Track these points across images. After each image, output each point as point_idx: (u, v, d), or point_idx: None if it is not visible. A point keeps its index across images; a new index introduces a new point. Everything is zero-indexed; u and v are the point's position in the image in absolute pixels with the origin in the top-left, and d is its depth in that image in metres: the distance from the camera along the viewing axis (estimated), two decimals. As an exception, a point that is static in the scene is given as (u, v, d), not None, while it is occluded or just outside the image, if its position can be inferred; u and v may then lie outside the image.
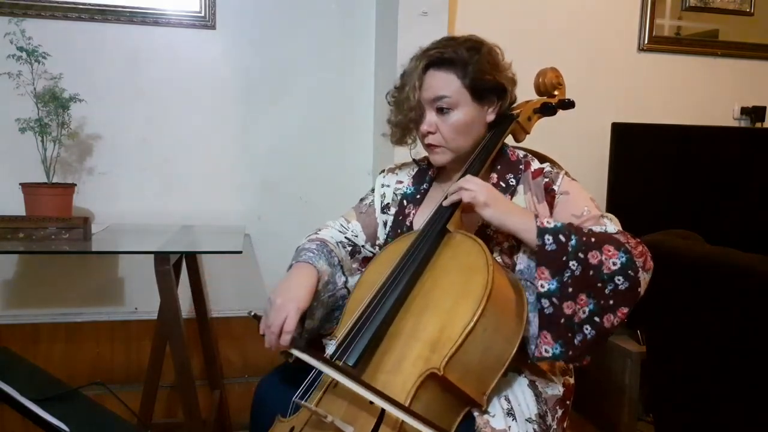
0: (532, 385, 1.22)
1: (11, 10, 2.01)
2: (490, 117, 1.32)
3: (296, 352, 1.13)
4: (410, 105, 1.27)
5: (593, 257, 1.13)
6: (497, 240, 1.27)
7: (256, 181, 2.29)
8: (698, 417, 1.56)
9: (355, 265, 1.41)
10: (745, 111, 2.67)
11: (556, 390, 1.24)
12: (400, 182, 1.44)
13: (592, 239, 1.15)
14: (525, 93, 1.45)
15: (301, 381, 1.15)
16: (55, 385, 1.12)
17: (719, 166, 2.42)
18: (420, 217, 1.37)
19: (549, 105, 1.33)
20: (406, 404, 1.01)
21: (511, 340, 1.10)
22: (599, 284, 1.12)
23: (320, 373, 1.14)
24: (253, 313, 1.21)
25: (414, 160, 1.47)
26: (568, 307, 1.12)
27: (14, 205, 1.90)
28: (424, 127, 1.29)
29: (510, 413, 1.14)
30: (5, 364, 1.14)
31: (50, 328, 2.17)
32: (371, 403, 1.03)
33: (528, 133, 1.36)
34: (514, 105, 1.39)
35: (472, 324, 1.04)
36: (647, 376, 2.09)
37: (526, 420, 1.15)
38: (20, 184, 1.89)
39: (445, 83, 1.26)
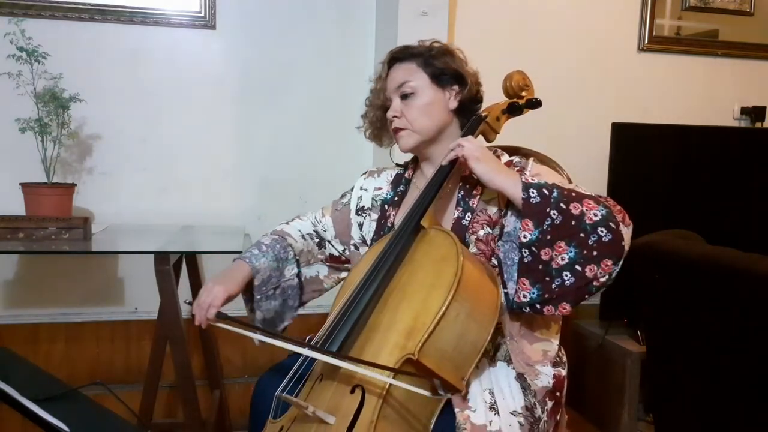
0: (520, 377, 1.23)
1: (11, 10, 2.01)
2: (453, 104, 1.38)
3: (221, 325, 1.24)
4: (379, 97, 1.41)
5: (574, 208, 1.17)
6: (473, 229, 1.30)
7: (256, 181, 2.29)
8: (698, 417, 1.56)
9: (320, 257, 1.49)
10: (745, 111, 2.67)
11: (545, 382, 1.25)
12: (379, 188, 1.49)
13: (573, 194, 1.20)
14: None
15: (299, 379, 1.18)
16: (55, 385, 1.12)
17: (719, 166, 2.41)
18: (399, 217, 1.41)
19: (515, 105, 1.39)
20: (384, 392, 1.05)
21: (485, 326, 1.14)
22: (582, 234, 1.15)
23: (307, 368, 1.19)
24: (188, 301, 1.32)
25: (396, 164, 1.53)
26: (545, 254, 1.17)
27: (14, 205, 1.90)
28: (390, 113, 1.38)
29: (493, 407, 1.16)
30: (5, 364, 1.14)
31: (50, 328, 2.17)
32: (353, 390, 1.07)
33: (497, 132, 1.41)
34: (485, 108, 1.42)
35: (443, 309, 1.08)
36: (647, 376, 2.10)
37: (511, 413, 1.17)
38: (20, 184, 1.89)
39: (406, 72, 1.37)
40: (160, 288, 1.65)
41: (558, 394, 1.27)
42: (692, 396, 1.57)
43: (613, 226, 1.15)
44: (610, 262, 1.15)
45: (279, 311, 1.41)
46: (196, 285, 2.10)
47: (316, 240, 1.49)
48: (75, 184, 2.00)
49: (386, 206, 1.45)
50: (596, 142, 2.38)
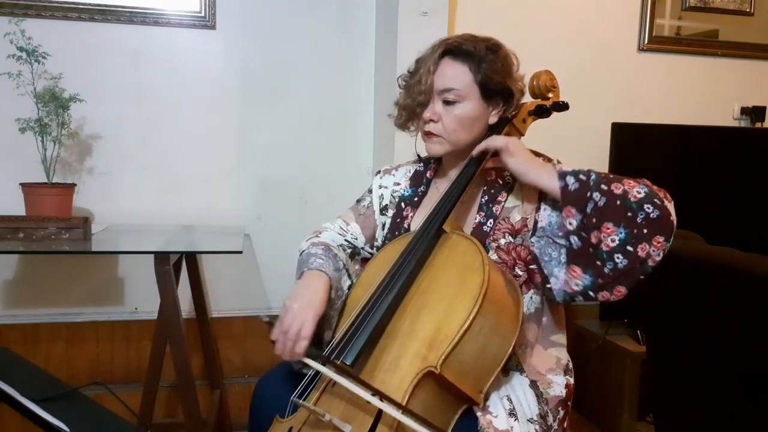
0: (534, 385, 1.22)
1: (11, 10, 2.01)
2: (493, 119, 1.32)
3: (310, 362, 1.11)
4: (420, 89, 1.27)
5: (616, 188, 1.14)
6: (494, 237, 1.27)
7: (256, 181, 2.29)
8: (698, 417, 1.56)
9: (356, 267, 1.40)
10: (745, 111, 2.67)
11: (557, 391, 1.24)
12: (398, 184, 1.44)
13: (611, 176, 1.17)
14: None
15: (299, 380, 1.15)
16: (55, 385, 1.12)
17: (719, 166, 2.41)
18: (418, 219, 1.37)
19: (543, 107, 1.34)
20: (404, 402, 1.02)
21: (507, 339, 1.11)
22: (629, 213, 1.12)
23: (318, 373, 1.14)
24: (267, 319, 1.20)
25: (419, 156, 1.46)
26: (594, 237, 1.13)
27: (14, 205, 1.90)
28: (427, 114, 1.28)
29: (512, 413, 1.14)
30: (5, 364, 1.14)
31: (50, 328, 2.17)
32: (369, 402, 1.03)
33: (522, 134, 1.37)
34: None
35: (468, 323, 1.05)
36: (647, 376, 2.09)
37: (528, 420, 1.16)
38: (20, 184, 1.89)
39: (457, 74, 1.27)
40: (160, 288, 1.65)
41: (569, 403, 1.27)
42: (692, 396, 1.57)
43: (659, 202, 1.12)
44: (662, 239, 1.10)
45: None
46: (196, 285, 2.10)
47: (349, 251, 1.40)
48: (75, 184, 2.00)
49: (403, 204, 1.39)
50: (596, 142, 2.37)
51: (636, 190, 1.13)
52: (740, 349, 1.41)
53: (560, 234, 1.19)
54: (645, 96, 2.59)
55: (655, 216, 1.11)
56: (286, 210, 2.31)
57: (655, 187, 1.17)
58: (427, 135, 1.31)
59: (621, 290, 1.13)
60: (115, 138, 2.16)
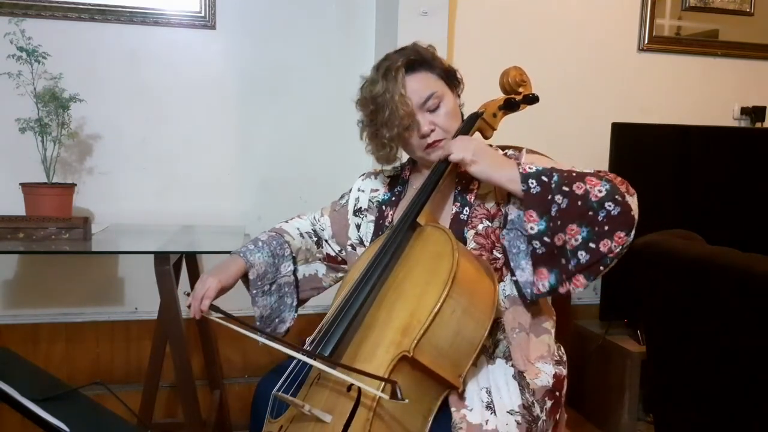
0: (519, 375, 1.23)
1: (11, 10, 2.01)
2: (458, 100, 1.40)
3: (215, 317, 1.26)
4: (400, 115, 1.28)
5: (578, 188, 1.17)
6: (472, 224, 1.30)
7: (256, 181, 2.29)
8: (698, 417, 1.56)
9: (319, 256, 1.49)
10: (745, 111, 2.67)
11: (545, 381, 1.25)
12: (375, 190, 1.49)
13: (573, 174, 1.20)
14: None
15: (300, 380, 1.18)
16: (55, 385, 1.12)
17: (719, 166, 2.41)
18: (398, 216, 1.40)
19: (512, 101, 1.38)
20: (380, 389, 1.04)
21: (482, 323, 1.14)
22: (590, 212, 1.15)
23: (302, 368, 1.19)
24: (186, 291, 1.34)
25: (401, 164, 1.50)
26: (558, 239, 1.17)
27: (14, 205, 1.90)
28: (425, 129, 1.32)
29: (489, 406, 1.16)
30: (5, 364, 1.14)
31: (50, 328, 2.17)
32: (349, 389, 1.07)
33: (494, 129, 1.41)
34: (481, 104, 1.41)
35: (438, 305, 1.08)
36: (647, 376, 2.09)
37: (508, 412, 1.17)
38: (20, 184, 1.89)
39: (425, 81, 1.32)
40: (160, 288, 1.65)
41: (558, 393, 1.27)
42: (692, 396, 1.57)
43: (619, 198, 1.15)
44: (623, 234, 1.14)
45: (276, 308, 1.41)
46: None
47: (315, 239, 1.50)
48: (75, 184, 2.00)
49: (384, 207, 1.44)
50: (596, 142, 2.38)
51: (597, 189, 1.16)
52: (740, 349, 1.41)
53: (524, 235, 1.22)
54: (645, 96, 2.59)
55: (616, 213, 1.14)
56: (286, 210, 2.28)
57: (618, 180, 1.20)
58: (432, 145, 1.34)
59: (580, 279, 1.17)
60: (115, 138, 2.16)
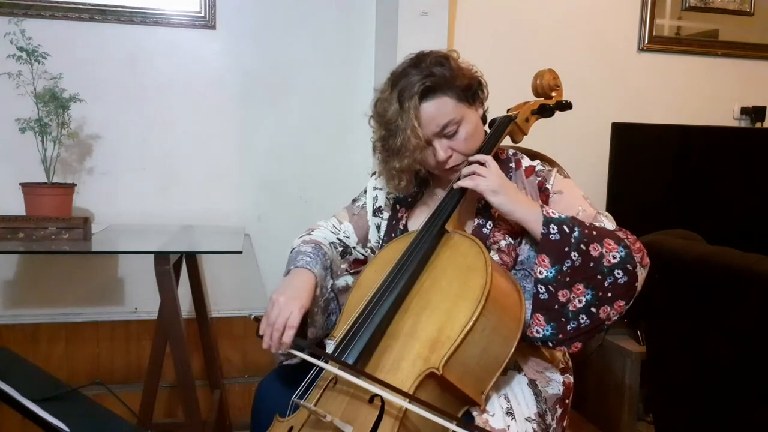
0: (532, 384, 1.22)
1: (11, 10, 2.00)
2: (480, 111, 1.33)
3: (297, 352, 1.13)
4: (414, 145, 1.22)
5: (594, 249, 1.15)
6: (494, 239, 1.27)
7: (256, 181, 2.29)
8: (698, 417, 1.56)
9: (344, 266, 1.41)
10: (745, 111, 2.67)
11: (556, 389, 1.25)
12: None
13: (594, 232, 1.18)
14: (524, 94, 1.45)
15: (301, 381, 1.15)
16: (55, 385, 1.12)
17: (719, 166, 2.41)
18: (413, 220, 1.38)
19: (546, 106, 1.34)
20: (405, 403, 1.01)
21: (509, 340, 1.11)
22: (599, 276, 1.14)
23: (319, 373, 1.14)
24: (253, 316, 1.19)
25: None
26: (562, 295, 1.15)
27: (14, 205, 1.90)
28: (441, 156, 1.26)
29: (509, 412, 1.14)
30: (5, 364, 1.14)
31: (50, 328, 2.17)
32: (371, 400, 1.03)
33: (525, 134, 1.37)
34: (512, 107, 1.39)
35: (470, 324, 1.05)
36: (647, 376, 2.09)
37: (526, 419, 1.16)
38: (20, 184, 1.89)
39: (443, 108, 1.24)
40: (160, 288, 1.65)
41: (567, 401, 1.27)
42: (692, 396, 1.57)
43: (630, 268, 1.15)
44: (622, 303, 1.15)
45: (325, 327, 1.31)
46: (196, 285, 2.10)
47: (340, 249, 1.41)
48: (75, 184, 2.00)
49: (398, 206, 1.40)
50: (596, 142, 2.37)
51: (613, 254, 1.15)
52: (740, 349, 1.41)
53: (531, 275, 1.20)
54: (645, 96, 2.59)
55: (622, 282, 1.15)
56: (286, 210, 2.31)
57: (636, 246, 1.18)
58: (451, 170, 1.29)
59: (578, 346, 1.17)
60: (115, 138, 2.16)
